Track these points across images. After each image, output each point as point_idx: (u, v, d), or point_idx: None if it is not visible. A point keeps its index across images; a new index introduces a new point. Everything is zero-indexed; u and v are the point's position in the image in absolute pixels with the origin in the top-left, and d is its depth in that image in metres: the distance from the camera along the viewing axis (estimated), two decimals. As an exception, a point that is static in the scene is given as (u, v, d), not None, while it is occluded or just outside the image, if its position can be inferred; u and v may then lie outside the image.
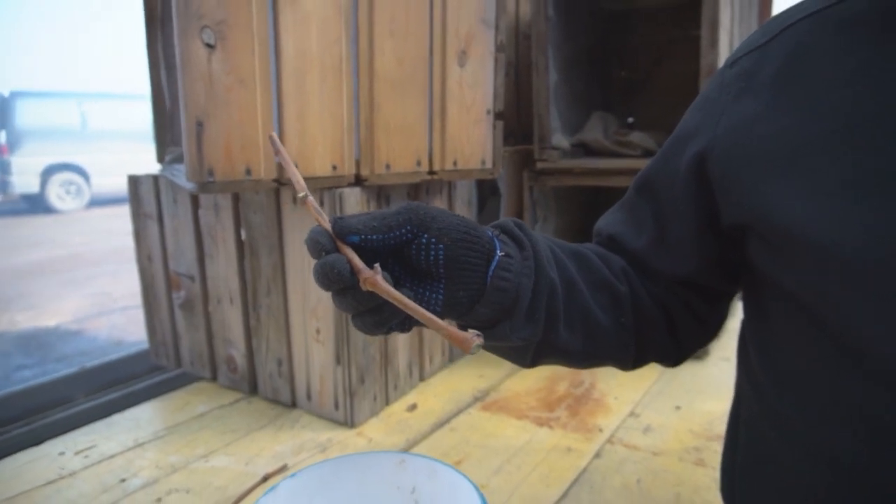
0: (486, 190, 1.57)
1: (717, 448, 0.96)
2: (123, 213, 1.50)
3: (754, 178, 0.48)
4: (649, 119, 1.74)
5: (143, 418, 1.12)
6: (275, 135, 0.51)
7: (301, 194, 0.45)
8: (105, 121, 9.18)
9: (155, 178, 1.21)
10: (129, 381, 1.33)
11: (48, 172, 8.72)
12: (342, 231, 0.43)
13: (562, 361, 0.57)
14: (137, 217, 1.26)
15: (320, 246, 0.43)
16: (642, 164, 1.31)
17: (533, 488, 0.88)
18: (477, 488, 0.59)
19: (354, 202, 1.00)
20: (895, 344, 0.38)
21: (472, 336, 0.41)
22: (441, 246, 0.45)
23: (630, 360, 0.59)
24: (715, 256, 0.56)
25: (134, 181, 1.25)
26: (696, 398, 1.17)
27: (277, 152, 0.50)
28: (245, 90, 0.88)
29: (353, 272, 0.42)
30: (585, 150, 1.55)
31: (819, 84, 0.47)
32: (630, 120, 1.78)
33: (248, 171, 0.90)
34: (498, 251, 0.47)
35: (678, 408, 1.14)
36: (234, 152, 0.89)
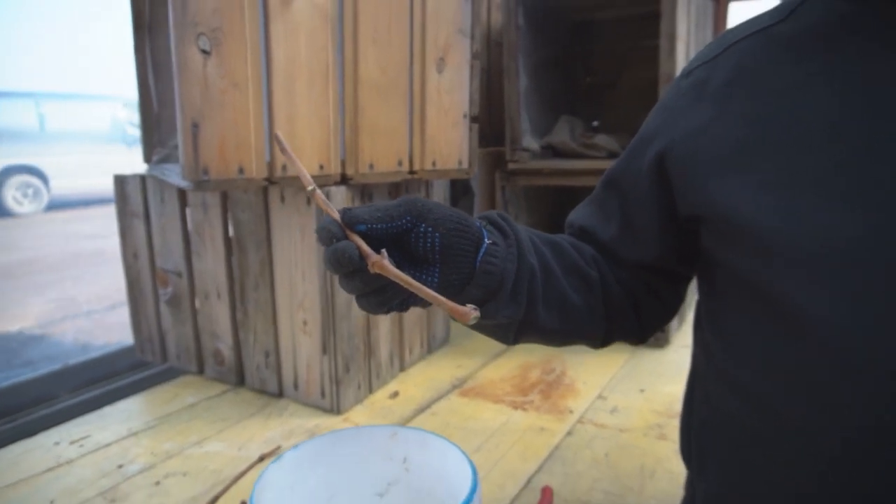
0: (459, 189, 1.64)
1: (678, 424, 1.05)
2: (84, 216, 1.51)
3: (705, 176, 0.56)
4: (612, 122, 1.84)
5: (133, 410, 1.16)
6: (279, 133, 0.57)
7: (310, 188, 0.51)
8: (64, 122, 8.96)
9: (142, 178, 1.25)
10: (114, 377, 1.36)
11: (4, 175, 8.47)
12: (351, 220, 0.49)
13: (540, 340, 0.64)
14: (123, 216, 1.30)
15: (331, 234, 0.49)
16: (607, 164, 1.40)
17: (511, 463, 0.96)
18: (466, 455, 0.66)
19: (340, 200, 1.06)
20: (822, 311, 0.46)
21: (471, 309, 0.48)
22: (437, 235, 0.52)
23: (599, 339, 0.67)
24: (675, 244, 0.63)
25: (120, 181, 1.28)
26: (657, 381, 1.27)
27: (283, 150, 0.56)
28: (238, 93, 0.94)
29: (362, 256, 0.48)
30: (554, 151, 1.64)
31: (764, 93, 0.55)
32: (595, 123, 1.88)
33: (241, 170, 0.96)
34: (486, 239, 0.54)
35: (642, 390, 1.23)
36: (227, 152, 0.94)
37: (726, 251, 0.56)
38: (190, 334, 1.27)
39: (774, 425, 0.51)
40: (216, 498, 0.82)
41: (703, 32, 1.63)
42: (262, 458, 0.93)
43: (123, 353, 1.43)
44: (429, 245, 0.52)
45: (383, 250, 0.49)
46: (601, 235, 0.67)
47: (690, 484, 0.69)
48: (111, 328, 3.95)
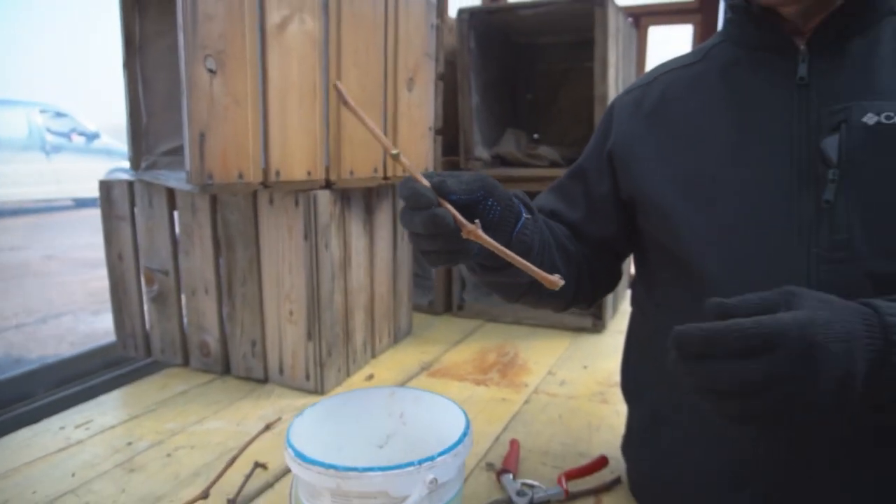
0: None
1: (616, 391, 1.25)
2: (2, 227, 1.53)
3: (637, 170, 0.77)
4: (552, 135, 2.06)
5: (128, 398, 1.25)
6: (339, 84, 0.61)
7: (394, 152, 0.57)
8: (-24, 128, 8.50)
9: (129, 183, 1.34)
10: (98, 372, 1.43)
11: (-90, 183, 7.96)
12: (445, 191, 0.59)
13: (532, 300, 0.79)
14: (108, 219, 1.38)
15: (427, 200, 0.57)
16: (549, 172, 1.60)
17: (480, 426, 1.12)
18: (456, 403, 0.81)
19: (325, 202, 1.20)
20: (713, 273, 0.65)
21: (558, 278, 0.58)
22: (499, 208, 0.65)
23: (565, 303, 0.84)
24: (625, 223, 0.82)
25: (106, 185, 1.37)
26: (597, 359, 1.46)
27: (348, 106, 0.59)
28: (239, 108, 1.07)
29: (455, 223, 0.58)
30: (502, 161, 1.82)
31: (680, 113, 0.76)
32: (535, 136, 2.09)
33: (241, 175, 1.08)
34: (524, 214, 0.69)
35: (585, 367, 1.42)
36: (229, 159, 1.06)
37: (651, 229, 0.77)
38: (176, 329, 1.36)
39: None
40: (234, 458, 0.94)
41: (630, 57, 1.86)
42: (268, 427, 1.05)
43: (101, 350, 1.50)
44: (491, 216, 0.65)
45: (477, 220, 0.58)
46: (569, 217, 0.85)
47: (630, 418, 0.88)
48: (45, 341, 3.87)
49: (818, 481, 0.65)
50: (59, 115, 10.31)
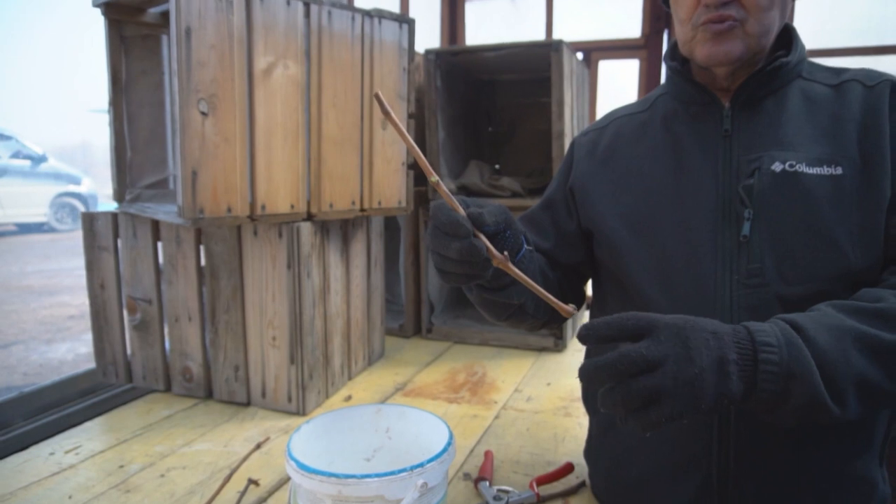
0: (387, 222, 1.89)
1: (578, 405, 1.36)
2: None
3: (592, 205, 0.89)
4: (512, 166, 2.18)
5: (113, 424, 1.28)
6: (380, 93, 0.63)
7: (433, 179, 0.62)
8: None
9: (113, 215, 1.39)
10: (78, 399, 1.46)
11: None
12: (481, 223, 0.67)
13: (517, 320, 0.87)
14: (91, 249, 1.42)
15: (465, 230, 0.64)
16: (511, 202, 1.72)
17: (456, 440, 1.19)
18: (441, 419, 0.90)
19: (307, 233, 1.28)
20: (652, 290, 0.77)
21: (572, 308, 0.66)
22: (513, 239, 0.74)
23: (540, 324, 0.94)
24: (589, 250, 0.94)
25: (89, 217, 1.41)
26: (560, 376, 1.57)
27: (389, 118, 0.61)
28: (228, 147, 1.14)
29: (489, 253, 0.66)
30: (466, 191, 1.93)
31: (628, 157, 0.88)
32: (497, 166, 2.21)
33: (230, 209, 1.16)
34: (525, 245, 0.79)
35: (549, 384, 1.53)
36: (219, 195, 1.14)
37: (604, 258, 0.89)
38: (158, 355, 1.41)
39: None
40: (230, 475, 1.00)
41: (583, 96, 2.01)
42: (258, 446, 1.11)
43: (80, 378, 1.52)
44: (508, 245, 0.74)
45: (505, 252, 0.67)
46: (541, 245, 0.95)
47: (589, 426, 0.99)
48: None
49: (751, 473, 0.77)
50: (2, 137, 10.00)
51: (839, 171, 0.74)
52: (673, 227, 0.81)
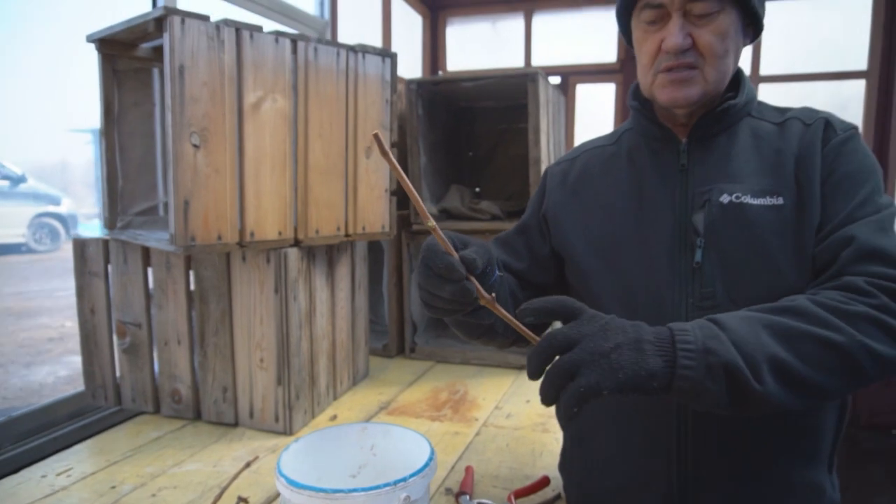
0: (371, 244, 1.95)
1: (555, 421, 1.41)
2: None
3: (562, 232, 0.96)
4: (492, 189, 2.26)
5: (103, 446, 1.31)
6: (379, 133, 0.68)
7: (430, 224, 0.68)
8: None
9: (104, 241, 1.43)
10: (66, 422, 1.48)
11: None
12: (473, 267, 0.71)
13: (488, 339, 0.92)
14: (82, 275, 1.46)
15: (459, 274, 0.69)
16: (490, 225, 1.79)
17: (437, 457, 1.25)
18: (423, 436, 0.95)
19: (294, 259, 1.33)
20: (615, 311, 0.83)
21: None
22: (494, 272, 0.80)
23: (509, 342, 1.00)
24: (561, 272, 1.00)
25: (80, 243, 1.45)
26: (538, 394, 1.63)
27: (387, 157, 0.64)
28: (219, 177, 1.20)
29: (477, 294, 0.71)
30: (448, 214, 2.00)
31: (595, 187, 0.96)
32: (477, 189, 2.28)
33: (220, 237, 1.21)
34: (497, 272, 0.84)
35: (528, 401, 1.58)
36: (210, 223, 1.19)
37: (573, 280, 0.95)
38: (147, 378, 1.45)
39: None
40: (221, 493, 1.04)
41: (559, 122, 2.09)
42: (248, 465, 1.15)
43: (69, 401, 1.55)
44: (490, 282, 0.79)
45: (493, 294, 0.72)
46: (515, 267, 1.01)
47: (563, 441, 1.04)
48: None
49: (710, 482, 0.83)
50: (-20, 157, 9.91)
51: (780, 201, 0.81)
52: (635, 254, 0.88)
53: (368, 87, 1.46)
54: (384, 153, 0.66)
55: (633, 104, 0.95)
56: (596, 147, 1.02)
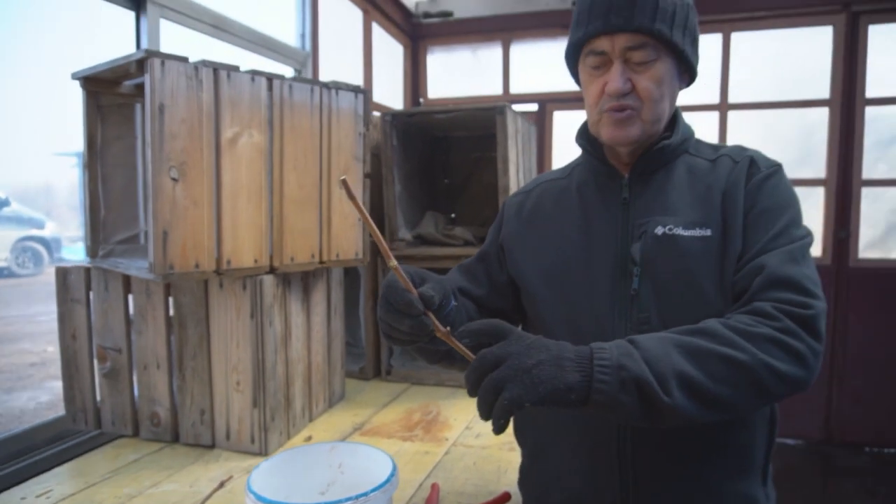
0: (347, 270, 2.01)
1: (522, 439, 1.46)
2: None
3: (516, 260, 1.03)
4: (467, 214, 2.33)
5: (83, 468, 1.35)
6: (347, 179, 0.73)
7: (392, 263, 0.76)
8: None
9: (86, 270, 1.48)
10: (46, 446, 1.52)
11: None
12: (430, 304, 0.79)
13: (447, 363, 0.99)
14: (64, 302, 1.51)
15: (417, 310, 0.78)
16: (464, 251, 1.86)
17: (407, 475, 1.31)
18: (387, 454, 1.01)
19: (269, 285, 1.39)
20: (562, 335, 0.90)
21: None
22: (452, 306, 0.88)
23: (466, 366, 1.06)
24: (518, 297, 1.07)
25: (63, 271, 1.50)
26: (508, 413, 1.69)
27: (354, 201, 0.79)
28: (196, 209, 1.26)
29: (433, 328, 0.79)
30: (423, 240, 2.07)
31: (548, 218, 1.03)
32: (452, 215, 2.36)
33: (197, 265, 1.27)
34: (453, 302, 0.91)
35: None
36: (188, 252, 1.25)
37: (526, 306, 1.02)
38: (127, 402, 1.49)
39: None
40: (195, 512, 1.08)
41: (529, 150, 2.18)
42: (222, 484, 1.20)
43: (50, 425, 1.58)
44: (446, 312, 0.86)
45: (448, 327, 0.79)
46: (474, 293, 1.08)
47: (521, 458, 1.11)
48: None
49: (650, 496, 0.90)
50: (-38, 181, 9.87)
51: (708, 232, 0.89)
52: (581, 282, 0.95)
53: (342, 121, 1.54)
54: (351, 198, 0.74)
55: (581, 142, 1.03)
56: (550, 180, 1.10)
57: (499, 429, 0.72)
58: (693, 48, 0.95)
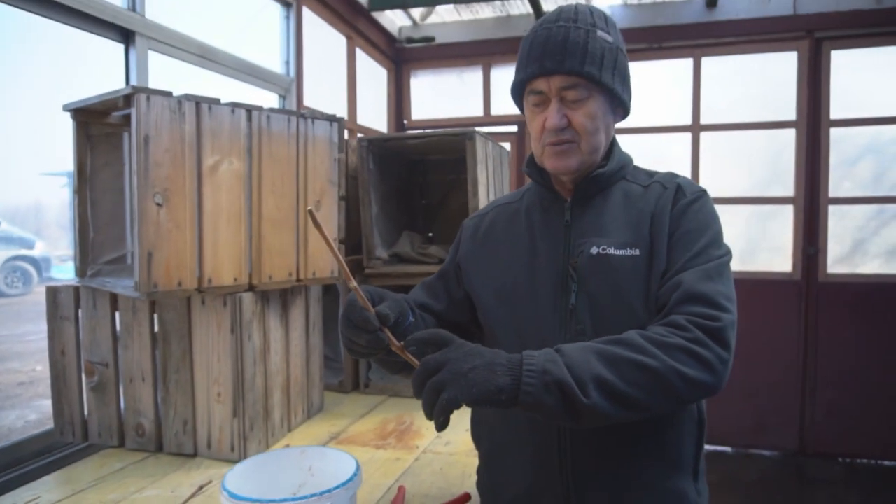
0: (325, 287, 2.10)
1: (487, 445, 1.55)
2: None
3: (470, 277, 1.13)
4: (444, 233, 2.44)
5: (70, 477, 1.43)
6: (313, 209, 0.93)
7: (352, 284, 0.89)
8: None
9: (76, 289, 1.57)
10: (34, 459, 1.59)
11: None
12: (386, 321, 0.91)
13: (406, 373, 1.08)
14: (54, 319, 1.59)
15: (373, 326, 0.89)
16: (438, 268, 1.94)
17: (377, 479, 1.39)
18: (353, 457, 1.10)
19: (248, 302, 1.49)
20: (510, 346, 1.00)
21: None
22: (408, 320, 0.98)
23: None
24: (474, 313, 1.17)
25: (53, 290, 1.59)
26: (478, 423, 1.78)
27: (319, 230, 0.94)
28: (179, 231, 1.36)
29: (389, 342, 0.91)
30: (399, 258, 2.17)
31: (500, 239, 1.13)
32: (430, 234, 2.46)
33: (180, 284, 1.36)
34: (410, 318, 1.01)
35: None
36: (171, 272, 1.34)
37: (481, 319, 1.12)
38: (113, 414, 1.57)
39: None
40: (174, 513, 1.16)
41: (501, 173, 2.29)
42: (201, 488, 1.28)
43: (39, 438, 1.66)
44: (404, 328, 0.97)
45: (402, 342, 0.90)
46: (435, 308, 1.18)
47: (479, 462, 1.20)
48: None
49: (589, 491, 0.99)
50: (-47, 202, 9.89)
51: (637, 252, 0.99)
52: (526, 297, 1.05)
53: (317, 148, 1.64)
54: (317, 226, 0.87)
55: (528, 171, 1.13)
56: (504, 204, 1.20)
57: (440, 426, 0.81)
58: (623, 86, 1.06)
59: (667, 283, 0.95)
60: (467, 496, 1.24)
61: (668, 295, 0.94)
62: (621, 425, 0.95)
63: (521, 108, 1.13)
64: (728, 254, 1.00)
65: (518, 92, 1.09)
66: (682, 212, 1.01)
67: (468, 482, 1.37)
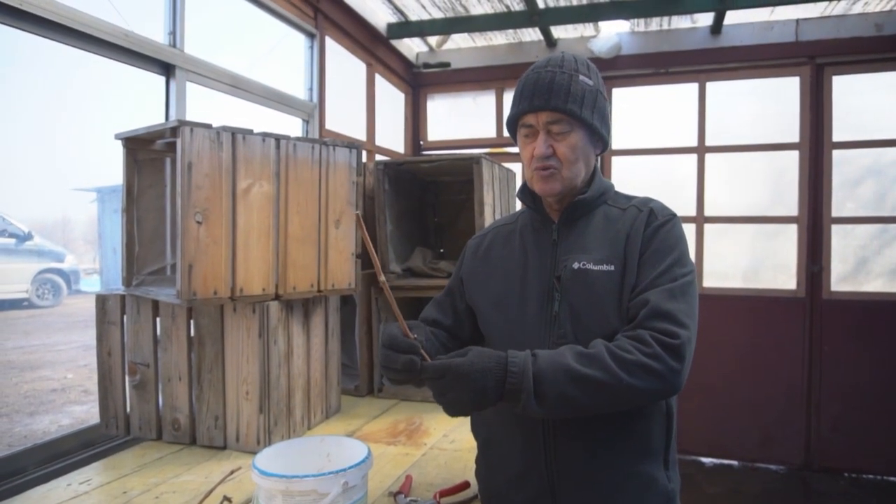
0: (345, 299, 2.27)
1: (488, 443, 1.70)
2: None
3: (472, 291, 1.30)
4: (455, 250, 2.60)
5: (116, 463, 1.61)
6: (359, 214, 1.15)
7: (382, 279, 1.10)
8: None
9: (122, 297, 1.76)
10: (81, 449, 1.77)
11: None
12: (420, 344, 1.10)
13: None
14: (102, 323, 1.78)
15: (409, 350, 1.08)
16: (447, 281, 2.11)
17: (387, 470, 1.55)
18: (366, 444, 1.26)
19: (275, 310, 1.66)
20: (503, 343, 1.15)
21: None
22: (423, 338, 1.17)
23: None
24: (477, 324, 1.33)
25: (102, 298, 1.78)
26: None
27: (364, 238, 1.15)
28: (216, 246, 1.54)
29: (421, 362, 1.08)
30: (411, 272, 2.34)
31: (497, 257, 1.30)
32: (441, 251, 2.63)
33: (215, 292, 1.54)
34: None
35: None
36: (208, 282, 1.52)
37: (483, 328, 1.28)
38: (153, 410, 1.75)
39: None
40: (209, 492, 1.33)
41: (506, 194, 2.46)
42: (232, 472, 1.45)
43: (86, 431, 1.84)
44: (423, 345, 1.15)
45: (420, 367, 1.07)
46: (444, 323, 1.35)
47: (477, 451, 1.35)
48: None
49: (570, 473, 1.14)
50: (-11, 215, 10.31)
51: (612, 268, 1.15)
52: (519, 306, 1.21)
53: (338, 172, 1.82)
54: (360, 228, 1.08)
55: (520, 196, 1.30)
56: (502, 225, 1.37)
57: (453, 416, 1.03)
58: (602, 123, 1.22)
59: (636, 299, 1.11)
60: (466, 484, 1.39)
61: (636, 309, 1.09)
62: (598, 417, 1.10)
63: (515, 140, 1.30)
64: (692, 272, 1.15)
65: (512, 125, 1.26)
66: (654, 233, 1.17)
67: (469, 474, 1.52)
